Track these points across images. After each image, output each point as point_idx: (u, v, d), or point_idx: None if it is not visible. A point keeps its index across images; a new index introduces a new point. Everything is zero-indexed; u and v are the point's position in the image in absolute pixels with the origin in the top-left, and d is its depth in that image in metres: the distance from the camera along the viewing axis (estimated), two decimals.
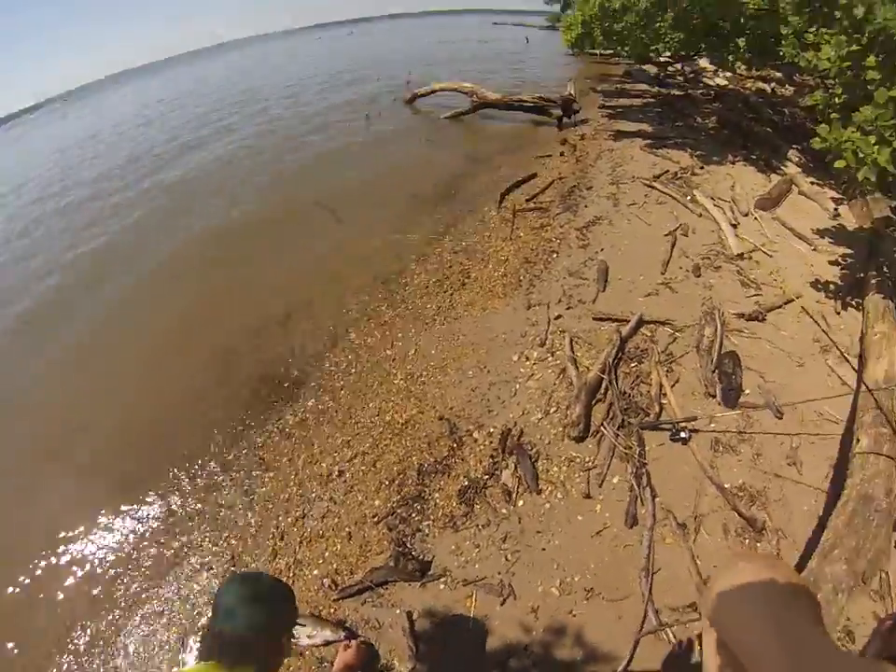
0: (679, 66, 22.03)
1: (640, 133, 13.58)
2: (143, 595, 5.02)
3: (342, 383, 6.69)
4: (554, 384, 5.70)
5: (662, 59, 20.59)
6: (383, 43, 63.16)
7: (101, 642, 4.69)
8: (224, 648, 1.95)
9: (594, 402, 5.37)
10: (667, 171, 10.48)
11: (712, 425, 5.00)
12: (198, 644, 2.12)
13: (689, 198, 9.10)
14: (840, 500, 3.90)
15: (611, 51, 19.95)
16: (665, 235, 8.00)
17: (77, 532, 5.73)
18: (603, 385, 5.49)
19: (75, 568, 5.40)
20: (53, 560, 5.52)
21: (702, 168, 10.53)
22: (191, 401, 6.93)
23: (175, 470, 6.09)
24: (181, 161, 18.08)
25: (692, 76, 20.76)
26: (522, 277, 7.59)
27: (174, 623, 4.71)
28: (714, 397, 5.27)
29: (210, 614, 2.11)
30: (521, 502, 4.75)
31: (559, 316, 6.64)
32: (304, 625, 4.15)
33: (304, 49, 70.98)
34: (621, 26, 14.31)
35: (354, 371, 6.81)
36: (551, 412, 5.42)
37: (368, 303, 7.90)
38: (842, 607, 3.27)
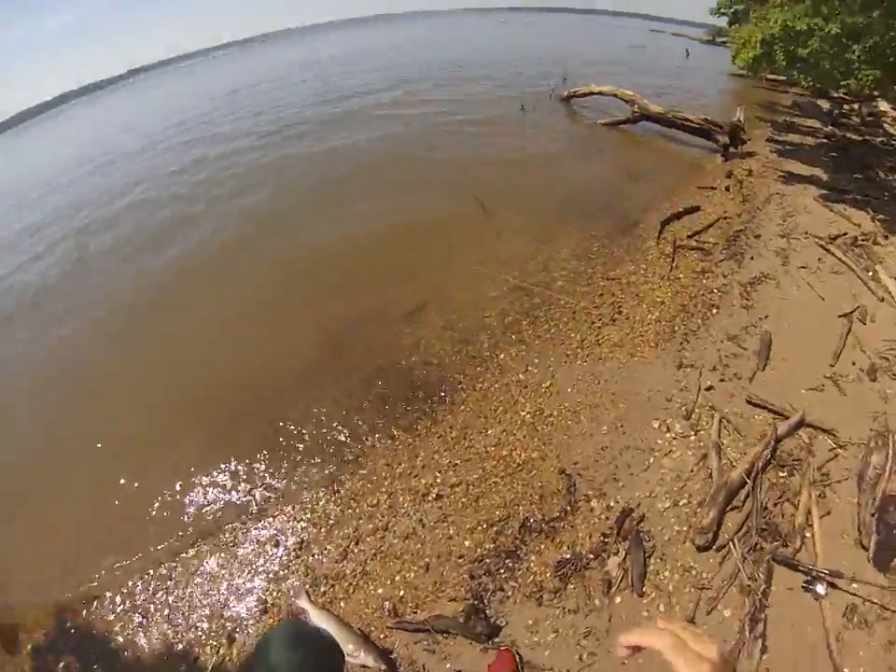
0: (855, 106, 19.17)
1: (814, 179, 11.61)
2: (203, 552, 4.91)
3: (464, 396, 5.84)
4: (692, 470, 4.68)
5: (837, 94, 17.97)
6: (533, 37, 52.43)
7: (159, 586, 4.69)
8: None
9: (729, 508, 4.36)
10: (846, 233, 8.73)
11: (854, 585, 3.88)
12: None
13: (870, 274, 7.49)
14: None
15: (783, 78, 17.36)
16: (840, 317, 6.58)
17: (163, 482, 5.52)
18: (744, 491, 4.45)
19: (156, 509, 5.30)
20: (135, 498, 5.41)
21: (886, 238, 8.72)
22: (298, 371, 6.38)
23: (268, 437, 5.64)
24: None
25: (870, 118, 17.63)
26: (677, 328, 6.37)
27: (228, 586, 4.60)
28: (866, 549, 4.09)
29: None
30: (618, 599, 3.92)
31: (711, 388, 5.49)
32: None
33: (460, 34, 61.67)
34: (807, 52, 12.12)
35: (479, 387, 5.93)
36: (680, 503, 4.44)
37: (507, 313, 6.86)
38: None
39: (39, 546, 5.50)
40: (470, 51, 32.35)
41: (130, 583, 4.82)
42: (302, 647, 1.85)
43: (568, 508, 4.52)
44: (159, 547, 5.02)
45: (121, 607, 4.66)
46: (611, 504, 4.50)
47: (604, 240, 8.04)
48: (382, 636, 3.97)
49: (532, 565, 4.20)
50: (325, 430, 5.65)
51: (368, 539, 4.60)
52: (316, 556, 4.59)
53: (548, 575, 4.10)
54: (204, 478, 5.44)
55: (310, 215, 10.15)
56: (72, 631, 4.70)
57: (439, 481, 4.96)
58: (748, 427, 5.04)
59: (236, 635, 4.24)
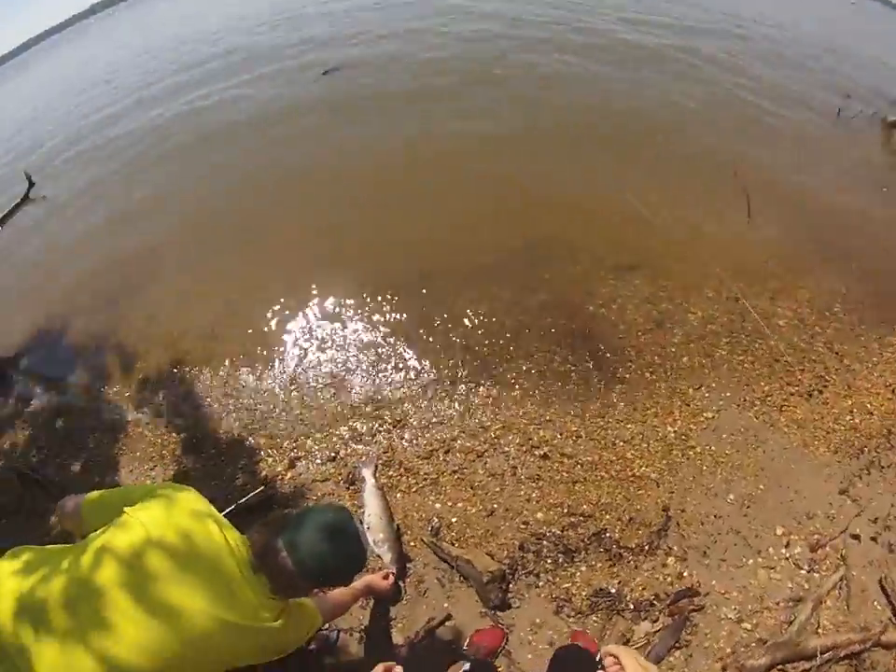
0: None
1: None
2: (313, 380, 5.23)
3: (628, 376, 5.28)
4: (777, 603, 4.03)
5: None
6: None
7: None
8: (279, 574, 1.81)
9: (781, 666, 3.79)
10: None
11: None
12: None
13: None
14: None
15: None
16: None
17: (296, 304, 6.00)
18: (808, 664, 3.84)
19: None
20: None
21: None
22: (483, 265, 6.24)
23: (420, 313, 5.75)
24: None
25: None
26: (867, 449, 5.06)
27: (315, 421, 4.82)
28: None
29: (290, 528, 1.83)
30: None
31: (857, 538, 4.49)
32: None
33: None
34: None
35: (647, 376, 5.31)
36: (743, 624, 3.91)
37: (712, 320, 5.88)
38: None
39: (189, 297, 6.33)
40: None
41: (243, 364, 5.31)
42: (334, 543, 1.85)
43: (646, 547, 4.14)
44: (282, 352, 5.46)
45: (226, 386, 5.14)
46: (684, 574, 4.05)
47: (852, 306, 6.26)
48: (412, 543, 3.99)
49: (577, 574, 3.96)
50: (479, 332, 5.48)
51: (458, 455, 4.52)
52: (404, 442, 4.60)
53: (583, 594, 3.86)
54: (347, 319, 5.75)
55: (556, 143, 9.44)
56: (177, 380, 5.18)
57: (555, 442, 4.66)
58: (860, 606, 4.18)
59: (297, 463, 4.47)
